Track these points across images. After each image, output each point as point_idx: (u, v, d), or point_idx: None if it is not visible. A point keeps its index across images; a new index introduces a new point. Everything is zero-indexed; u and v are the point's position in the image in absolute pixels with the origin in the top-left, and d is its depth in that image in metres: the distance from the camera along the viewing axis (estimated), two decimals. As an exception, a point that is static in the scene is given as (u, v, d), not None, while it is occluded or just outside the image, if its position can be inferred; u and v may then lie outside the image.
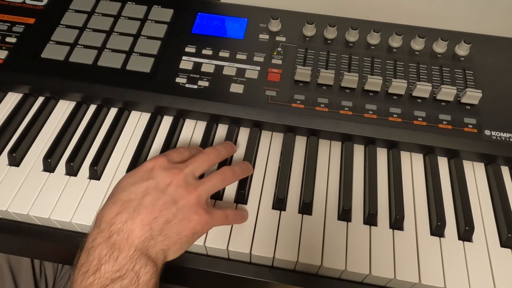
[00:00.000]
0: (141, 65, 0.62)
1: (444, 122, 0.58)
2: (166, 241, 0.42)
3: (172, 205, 0.43)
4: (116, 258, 0.39)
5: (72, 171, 0.55)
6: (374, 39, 0.65)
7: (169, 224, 0.42)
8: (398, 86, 0.59)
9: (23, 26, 0.66)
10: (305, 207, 0.52)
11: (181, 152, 0.49)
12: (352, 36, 0.65)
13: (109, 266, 0.39)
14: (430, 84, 0.59)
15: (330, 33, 0.66)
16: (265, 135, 0.60)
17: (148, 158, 0.57)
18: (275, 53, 0.64)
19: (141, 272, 0.40)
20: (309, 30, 0.66)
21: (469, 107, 0.59)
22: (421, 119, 0.58)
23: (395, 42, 0.65)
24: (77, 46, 0.64)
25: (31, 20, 0.67)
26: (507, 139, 0.57)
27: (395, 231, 0.51)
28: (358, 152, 0.59)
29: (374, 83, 0.59)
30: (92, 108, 0.62)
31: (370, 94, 0.60)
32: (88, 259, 0.40)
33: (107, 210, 0.42)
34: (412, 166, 0.58)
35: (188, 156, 0.50)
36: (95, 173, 0.55)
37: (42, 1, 0.70)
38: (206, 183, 0.47)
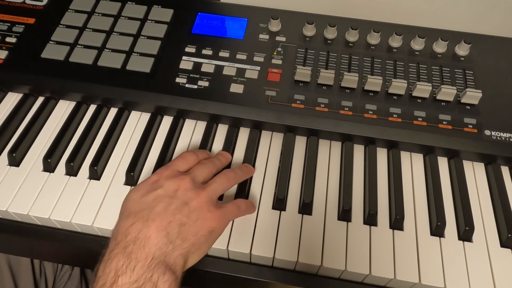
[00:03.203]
0: (141, 65, 0.62)
1: (444, 122, 0.58)
2: (184, 244, 0.42)
3: (185, 208, 0.43)
4: (133, 269, 0.39)
5: (72, 171, 0.55)
6: (374, 39, 0.65)
7: (184, 226, 0.42)
8: (398, 86, 0.59)
9: (23, 26, 0.66)
10: (305, 207, 0.52)
11: (187, 158, 0.50)
12: (352, 36, 0.65)
13: (126, 278, 0.38)
14: (430, 84, 0.59)
15: (330, 33, 0.66)
16: (265, 135, 0.60)
17: (147, 159, 0.57)
18: (275, 53, 0.64)
19: (159, 282, 0.38)
20: (309, 30, 0.66)
21: (469, 107, 0.59)
22: (421, 119, 0.58)
23: (395, 42, 0.65)
24: (77, 46, 0.64)
25: (31, 20, 0.67)
26: (507, 139, 0.57)
27: (395, 231, 0.51)
28: (358, 152, 0.59)
29: (374, 83, 0.59)
30: (92, 108, 0.62)
31: (370, 94, 0.60)
32: (105, 272, 0.39)
33: (121, 224, 0.42)
34: (412, 166, 0.58)
35: (195, 159, 0.50)
36: (95, 173, 0.55)
37: (42, 1, 0.70)
38: (213, 184, 0.48)
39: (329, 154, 0.58)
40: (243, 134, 0.60)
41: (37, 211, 0.52)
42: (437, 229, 0.51)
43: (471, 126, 0.57)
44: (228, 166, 0.56)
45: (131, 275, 0.38)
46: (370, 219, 0.52)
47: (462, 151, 0.57)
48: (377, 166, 0.57)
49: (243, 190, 0.53)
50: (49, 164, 0.55)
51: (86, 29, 0.66)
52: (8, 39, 0.65)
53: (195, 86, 0.60)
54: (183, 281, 0.43)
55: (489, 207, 0.54)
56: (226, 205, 0.47)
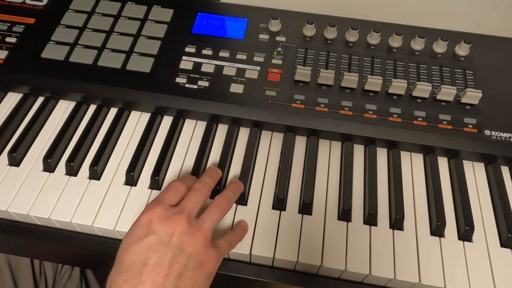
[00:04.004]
0: (141, 65, 0.62)
1: (444, 122, 0.58)
2: None
3: (181, 256, 0.41)
4: None
5: (72, 171, 0.55)
6: (374, 39, 0.65)
7: (182, 277, 0.40)
8: (398, 86, 0.59)
9: (23, 26, 0.66)
10: (305, 207, 0.52)
11: (177, 189, 0.47)
12: (352, 36, 0.65)
13: None
14: (430, 84, 0.59)
15: (330, 33, 0.66)
16: (265, 135, 0.60)
17: (147, 159, 0.57)
18: (275, 53, 0.64)
19: None
20: (309, 30, 0.66)
21: (469, 107, 0.59)
22: (421, 119, 0.58)
23: (395, 42, 0.65)
24: (77, 46, 0.64)
25: (31, 20, 0.67)
26: (507, 139, 0.57)
27: (395, 231, 0.51)
28: (358, 152, 0.59)
29: (374, 83, 0.59)
30: (92, 108, 0.62)
31: (370, 94, 0.60)
32: None
33: (114, 279, 0.40)
34: (412, 166, 0.58)
35: (185, 189, 0.47)
36: (95, 173, 0.55)
37: (42, 1, 0.70)
38: (208, 220, 0.45)
39: (329, 154, 0.58)
40: (243, 134, 0.60)
41: (37, 211, 0.52)
42: (437, 229, 0.51)
43: (471, 126, 0.57)
44: (230, 160, 0.56)
45: None
46: (370, 219, 0.52)
47: (462, 151, 0.57)
48: (377, 166, 0.57)
49: (243, 192, 0.53)
50: (49, 164, 0.55)
51: (86, 29, 0.66)
52: (8, 39, 0.65)
53: (195, 86, 0.60)
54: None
55: (489, 207, 0.54)
56: (219, 243, 0.45)
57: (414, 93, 0.59)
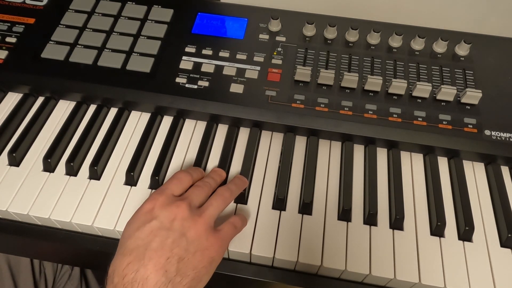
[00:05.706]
0: (141, 65, 0.62)
1: (444, 122, 0.58)
2: (184, 281, 0.40)
3: (182, 240, 0.42)
4: None
5: (72, 171, 0.55)
6: (374, 39, 0.65)
7: (183, 261, 0.41)
8: (398, 86, 0.59)
9: (23, 26, 0.66)
10: (305, 207, 0.52)
11: (181, 180, 0.48)
12: (352, 36, 0.65)
13: None
14: (430, 84, 0.59)
15: (330, 33, 0.66)
16: (265, 135, 0.60)
17: (147, 159, 0.57)
18: (275, 53, 0.64)
19: None
20: (309, 30, 0.66)
21: (469, 107, 0.59)
22: (421, 119, 0.58)
23: (395, 42, 0.65)
24: (77, 46, 0.64)
25: (31, 20, 0.67)
26: (507, 139, 0.57)
27: (395, 231, 0.51)
28: (358, 152, 0.59)
29: (374, 83, 0.59)
30: (92, 108, 0.62)
31: (370, 94, 0.60)
32: None
33: (117, 262, 0.41)
34: (412, 166, 0.58)
35: (189, 180, 0.48)
36: (95, 173, 0.55)
37: (42, 1, 0.70)
38: (209, 208, 0.46)
39: (329, 154, 0.58)
40: (243, 134, 0.60)
41: (37, 211, 0.52)
42: (437, 229, 0.51)
43: (471, 126, 0.57)
44: (230, 160, 0.56)
45: None
46: (370, 219, 0.52)
47: (462, 151, 0.57)
48: (377, 166, 0.57)
49: (243, 192, 0.53)
50: (49, 164, 0.55)
51: (86, 29, 0.66)
52: (8, 39, 0.65)
53: (195, 86, 0.60)
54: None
55: (489, 207, 0.54)
56: (222, 228, 0.46)
57: (414, 93, 0.59)
